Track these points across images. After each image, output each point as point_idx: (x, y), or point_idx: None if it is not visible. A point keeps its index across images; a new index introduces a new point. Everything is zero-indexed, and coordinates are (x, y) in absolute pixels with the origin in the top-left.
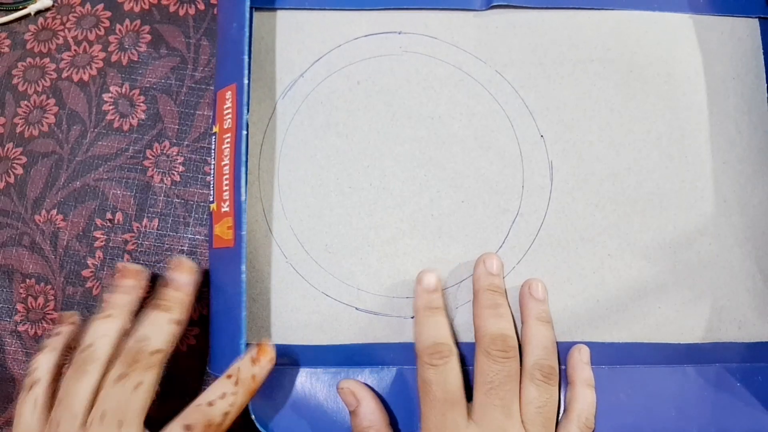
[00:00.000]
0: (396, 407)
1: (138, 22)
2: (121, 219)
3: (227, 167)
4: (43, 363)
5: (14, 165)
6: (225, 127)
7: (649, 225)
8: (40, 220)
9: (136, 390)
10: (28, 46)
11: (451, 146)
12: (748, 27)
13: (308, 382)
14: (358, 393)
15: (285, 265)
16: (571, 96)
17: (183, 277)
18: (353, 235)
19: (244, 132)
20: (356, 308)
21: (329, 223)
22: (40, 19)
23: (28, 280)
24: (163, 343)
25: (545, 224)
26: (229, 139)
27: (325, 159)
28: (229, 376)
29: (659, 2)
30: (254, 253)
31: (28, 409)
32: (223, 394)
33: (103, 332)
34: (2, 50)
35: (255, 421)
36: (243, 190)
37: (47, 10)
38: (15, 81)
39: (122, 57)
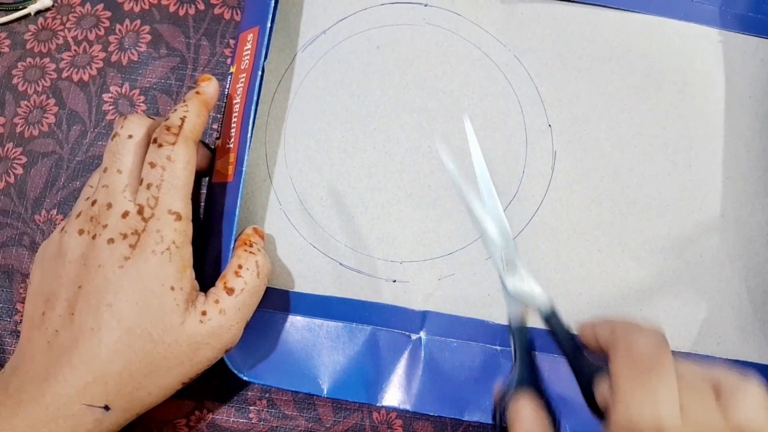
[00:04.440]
0: (365, 365)
1: (138, 22)
2: None
3: (238, 105)
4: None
5: (14, 165)
6: (242, 67)
7: (643, 227)
8: (40, 220)
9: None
10: (28, 46)
11: (459, 122)
12: None
13: (283, 327)
14: None
15: (278, 212)
16: (584, 90)
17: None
18: (349, 193)
19: (260, 73)
20: (341, 263)
21: (328, 178)
22: (40, 19)
23: (28, 280)
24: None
25: (540, 211)
26: (243, 79)
27: (334, 116)
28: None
29: (687, 13)
30: (251, 195)
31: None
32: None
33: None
34: (2, 50)
35: (225, 360)
36: (250, 128)
37: (47, 10)
38: (15, 81)
39: (122, 57)
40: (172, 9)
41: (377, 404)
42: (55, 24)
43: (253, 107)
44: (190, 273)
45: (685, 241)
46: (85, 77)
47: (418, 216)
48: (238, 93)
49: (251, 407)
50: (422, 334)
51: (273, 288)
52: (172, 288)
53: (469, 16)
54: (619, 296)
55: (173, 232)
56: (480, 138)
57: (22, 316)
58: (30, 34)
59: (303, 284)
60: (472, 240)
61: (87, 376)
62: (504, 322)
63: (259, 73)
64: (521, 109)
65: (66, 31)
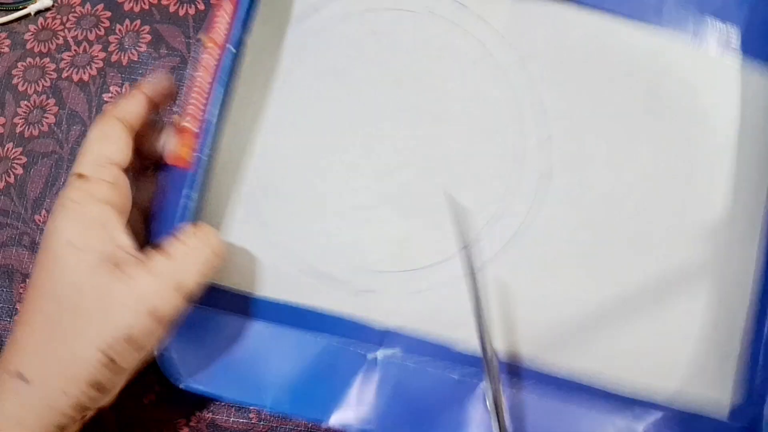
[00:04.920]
0: (317, 377)
1: (138, 22)
2: None
3: (201, 79)
4: None
5: (14, 165)
6: (213, 37)
7: (632, 257)
8: (40, 220)
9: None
10: (28, 46)
11: (452, 126)
12: None
13: (231, 331)
14: None
15: (240, 204)
16: (588, 104)
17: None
18: (324, 192)
19: (231, 47)
20: (302, 269)
21: (301, 173)
22: (40, 19)
23: (28, 280)
24: None
25: (526, 229)
26: (214, 52)
27: (317, 104)
28: None
29: (700, 33)
30: (217, 184)
31: None
32: None
33: None
34: (2, 50)
35: (159, 365)
36: (216, 111)
37: (47, 10)
38: (15, 81)
39: (122, 57)
40: (172, 9)
41: (323, 424)
42: (55, 24)
43: (217, 86)
44: (105, 233)
45: (674, 278)
46: (85, 77)
47: (396, 222)
48: (203, 65)
49: (251, 407)
50: (379, 354)
51: (224, 287)
52: (75, 245)
53: (475, 8)
54: (596, 327)
55: (74, 191)
56: (473, 144)
57: None
58: (30, 34)
59: (259, 286)
60: (448, 256)
61: (10, 344)
62: (470, 349)
63: (231, 47)
64: (521, 119)
65: (66, 31)
